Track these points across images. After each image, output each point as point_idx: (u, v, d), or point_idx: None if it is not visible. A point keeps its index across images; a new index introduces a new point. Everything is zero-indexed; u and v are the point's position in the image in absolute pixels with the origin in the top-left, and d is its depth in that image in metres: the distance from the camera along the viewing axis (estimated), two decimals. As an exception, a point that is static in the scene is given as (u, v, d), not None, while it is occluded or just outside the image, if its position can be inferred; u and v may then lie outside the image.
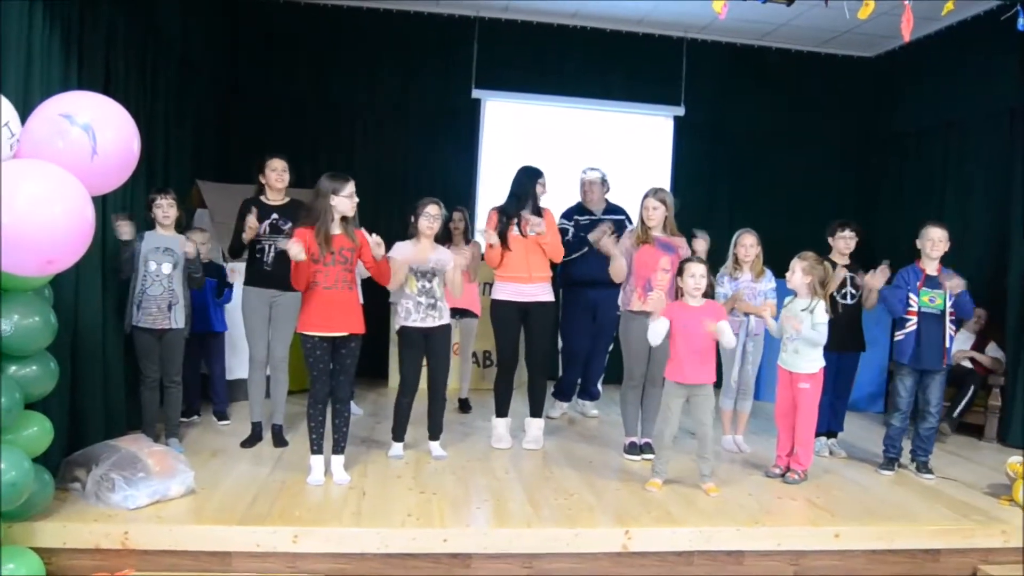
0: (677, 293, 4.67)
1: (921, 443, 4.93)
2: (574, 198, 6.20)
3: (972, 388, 6.02)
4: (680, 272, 4.51)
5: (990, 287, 6.18)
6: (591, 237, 5.17)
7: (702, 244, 4.94)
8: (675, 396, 4.40)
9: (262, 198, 4.91)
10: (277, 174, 4.86)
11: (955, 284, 4.75)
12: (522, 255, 5.02)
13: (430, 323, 4.73)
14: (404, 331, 4.77)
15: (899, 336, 4.90)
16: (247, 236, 4.76)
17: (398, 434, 4.86)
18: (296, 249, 4.01)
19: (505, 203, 5.13)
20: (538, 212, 5.08)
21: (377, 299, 6.02)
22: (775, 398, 4.78)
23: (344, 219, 4.26)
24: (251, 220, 4.74)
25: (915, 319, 4.81)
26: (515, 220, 5.02)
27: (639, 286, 4.87)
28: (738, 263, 5.31)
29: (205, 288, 5.32)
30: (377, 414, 5.92)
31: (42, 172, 3.06)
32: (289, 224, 4.77)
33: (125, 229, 4.40)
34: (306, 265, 4.12)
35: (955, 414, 5.98)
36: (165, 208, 4.62)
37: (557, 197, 5.80)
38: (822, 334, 4.57)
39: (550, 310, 5.19)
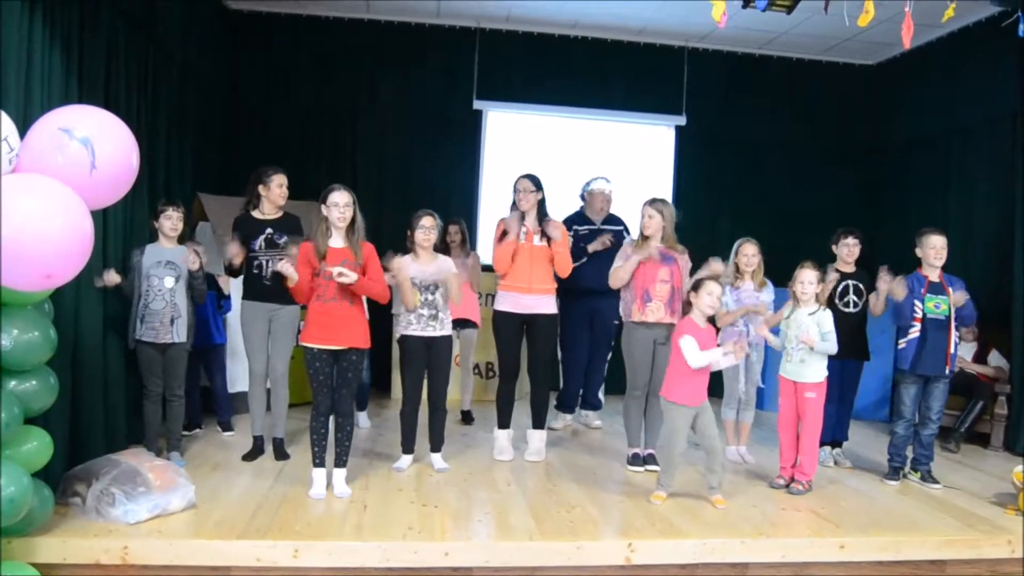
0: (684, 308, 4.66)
1: (923, 450, 4.90)
2: (576, 207, 6.18)
3: (981, 403, 5.97)
4: (696, 287, 4.39)
5: (995, 294, 6.15)
6: (589, 248, 5.17)
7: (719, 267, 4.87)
8: (683, 417, 4.34)
9: (254, 213, 4.90)
10: (283, 190, 4.88)
11: (958, 298, 4.73)
12: (525, 266, 5.00)
13: (431, 332, 4.72)
14: (404, 340, 4.75)
15: (902, 344, 4.88)
16: (236, 264, 4.82)
17: (407, 446, 4.83)
18: (287, 271, 4.08)
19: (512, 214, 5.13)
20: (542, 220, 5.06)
21: (379, 311, 6.00)
22: (778, 408, 4.76)
23: (351, 232, 4.24)
24: (233, 248, 4.78)
25: (919, 325, 4.80)
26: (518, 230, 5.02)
27: (638, 297, 4.85)
28: (739, 272, 5.29)
29: (205, 301, 5.32)
30: (379, 426, 5.90)
31: (41, 186, 3.06)
32: (284, 238, 4.77)
33: (111, 279, 4.41)
34: (304, 282, 4.14)
35: (962, 428, 5.94)
36: (175, 220, 4.61)
37: (560, 207, 5.79)
38: (833, 343, 4.56)
39: (552, 322, 5.17)
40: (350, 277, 4.09)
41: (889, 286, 4.78)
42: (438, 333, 4.75)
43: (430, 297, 4.71)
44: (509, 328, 5.06)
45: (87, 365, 4.29)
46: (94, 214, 3.30)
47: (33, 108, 3.67)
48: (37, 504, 3.31)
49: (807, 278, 4.61)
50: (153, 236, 4.67)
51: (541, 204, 5.05)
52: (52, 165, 3.14)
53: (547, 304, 5.07)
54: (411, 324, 4.72)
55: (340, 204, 4.18)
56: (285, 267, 4.08)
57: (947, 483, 4.86)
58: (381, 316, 6.19)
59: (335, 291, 4.18)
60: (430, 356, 4.76)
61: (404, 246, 4.82)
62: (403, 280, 4.57)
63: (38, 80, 3.80)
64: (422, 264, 4.71)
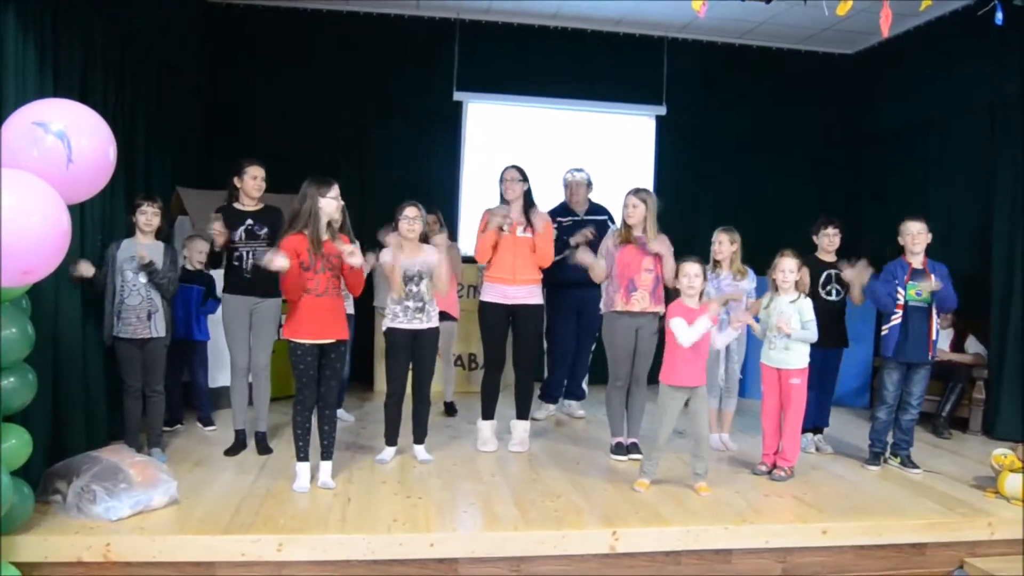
0: (667, 294, 4.67)
1: (903, 435, 4.95)
2: (558, 198, 6.19)
3: (960, 386, 6.04)
4: (678, 273, 4.46)
5: (973, 281, 6.20)
6: (572, 251, 5.17)
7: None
8: (675, 399, 4.35)
9: (236, 205, 4.87)
10: (257, 182, 4.83)
11: (927, 285, 4.76)
12: (508, 257, 5.01)
13: (417, 325, 4.71)
14: (391, 332, 4.74)
15: (885, 330, 4.92)
16: (218, 243, 4.73)
17: (390, 438, 4.83)
18: (280, 263, 3.98)
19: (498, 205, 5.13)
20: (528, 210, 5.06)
21: (360, 303, 5.98)
22: (761, 396, 4.78)
23: (330, 225, 4.23)
24: (217, 226, 4.69)
25: (901, 312, 4.84)
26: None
27: (622, 287, 4.86)
28: (717, 262, 5.32)
29: (190, 296, 5.29)
30: (362, 419, 5.88)
31: (17, 181, 3.03)
32: (265, 230, 4.74)
33: (84, 269, 4.33)
34: (296, 274, 4.10)
35: (944, 413, 6.01)
36: (149, 216, 4.56)
37: (541, 198, 5.77)
38: (814, 331, 4.59)
39: (537, 312, 5.17)
40: (358, 259, 4.12)
41: (855, 275, 4.91)
42: (424, 325, 4.73)
43: (415, 288, 4.68)
44: (494, 318, 5.06)
45: (67, 362, 4.24)
46: (71, 209, 3.27)
47: (7, 105, 3.60)
48: (17, 502, 3.29)
49: (787, 266, 4.64)
50: (130, 231, 4.62)
51: (527, 195, 5.08)
52: (28, 160, 3.12)
53: (532, 295, 5.07)
54: (397, 316, 4.70)
55: (339, 195, 4.22)
56: (277, 260, 3.98)
57: (927, 467, 4.91)
58: (360, 309, 6.17)
59: (325, 285, 4.18)
60: (415, 348, 4.75)
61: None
62: (388, 270, 4.55)
63: (12, 76, 3.73)
64: (407, 255, 4.69)
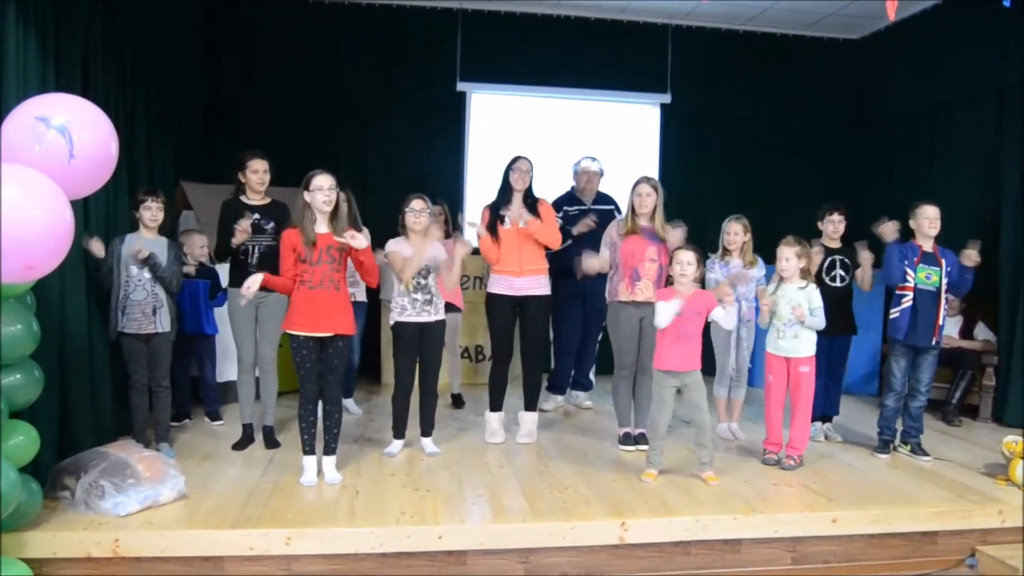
0: (668, 281, 4.65)
1: (912, 422, 4.92)
2: (563, 188, 6.16)
3: (970, 373, 6.02)
4: (671, 259, 4.46)
5: (980, 268, 6.15)
6: (574, 231, 5.15)
7: (679, 234, 4.87)
8: (666, 385, 4.36)
9: (242, 198, 4.83)
10: (259, 176, 4.79)
11: (972, 255, 4.80)
12: (514, 249, 4.99)
13: (425, 318, 4.69)
14: (398, 327, 4.71)
15: (894, 313, 4.89)
16: (237, 240, 4.64)
17: (398, 431, 4.82)
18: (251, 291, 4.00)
19: (496, 198, 5.10)
20: (532, 202, 5.03)
21: (368, 295, 5.97)
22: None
23: (334, 217, 4.19)
24: (244, 224, 4.63)
25: (911, 295, 4.81)
26: (502, 214, 5.01)
27: (626, 276, 4.84)
28: (727, 251, 5.29)
29: (197, 290, 5.28)
30: (370, 412, 5.88)
31: (19, 176, 3.02)
32: (272, 224, 4.71)
33: (96, 247, 4.33)
34: (281, 283, 4.13)
35: (954, 400, 5.98)
36: (154, 211, 4.55)
37: (546, 187, 5.76)
38: (822, 318, 4.57)
39: (545, 303, 5.15)
40: (361, 242, 4.07)
41: (880, 228, 4.90)
42: (432, 318, 4.71)
43: (422, 281, 4.66)
44: (502, 310, 5.04)
45: (73, 357, 4.24)
46: (74, 204, 3.26)
47: (9, 98, 3.59)
48: (26, 499, 3.29)
49: (785, 254, 4.61)
50: (134, 226, 4.61)
51: (528, 186, 5.06)
52: (30, 155, 3.11)
53: (540, 286, 5.05)
54: (405, 310, 4.68)
55: (325, 187, 4.11)
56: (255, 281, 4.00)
57: (937, 455, 4.89)
58: (367, 302, 6.15)
59: (321, 278, 4.14)
60: (423, 341, 4.73)
61: (395, 230, 4.78)
62: (396, 260, 4.52)
63: (13, 71, 3.71)
64: (414, 247, 4.67)
